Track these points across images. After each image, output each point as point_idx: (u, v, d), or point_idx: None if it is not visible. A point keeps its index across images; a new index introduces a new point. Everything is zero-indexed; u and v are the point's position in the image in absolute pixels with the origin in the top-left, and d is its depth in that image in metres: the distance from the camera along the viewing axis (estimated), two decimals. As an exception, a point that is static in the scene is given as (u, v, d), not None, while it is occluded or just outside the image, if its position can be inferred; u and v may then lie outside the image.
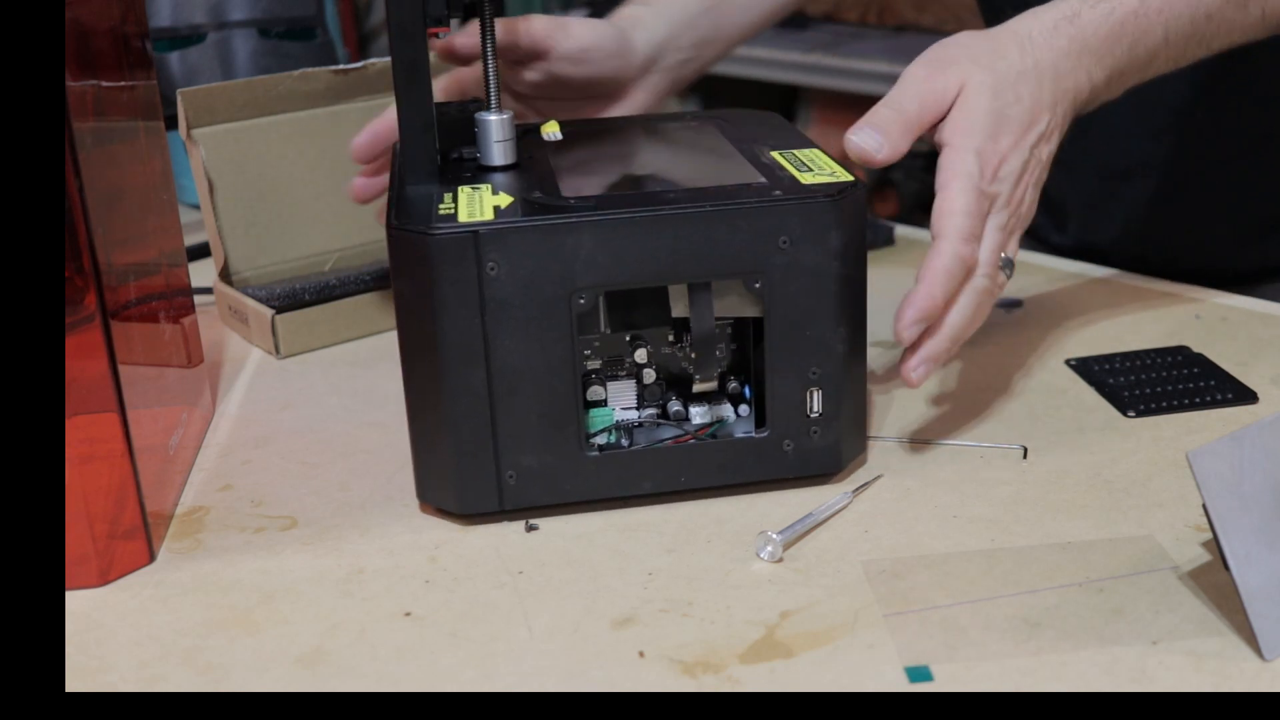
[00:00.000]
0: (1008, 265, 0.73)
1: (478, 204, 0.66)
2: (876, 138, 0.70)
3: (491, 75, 0.73)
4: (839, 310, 0.67)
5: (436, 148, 0.71)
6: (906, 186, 2.58)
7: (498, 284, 0.63)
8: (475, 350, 0.64)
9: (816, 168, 0.70)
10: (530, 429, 0.66)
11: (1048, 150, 0.74)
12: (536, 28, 0.87)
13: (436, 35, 0.70)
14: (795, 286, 0.66)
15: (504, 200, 0.66)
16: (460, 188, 0.68)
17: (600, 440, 0.68)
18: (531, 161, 0.74)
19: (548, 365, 0.65)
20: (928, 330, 0.69)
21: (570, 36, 0.88)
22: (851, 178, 0.68)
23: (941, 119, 0.71)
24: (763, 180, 0.68)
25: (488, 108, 0.73)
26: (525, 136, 0.76)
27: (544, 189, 0.68)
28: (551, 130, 0.75)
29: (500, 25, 0.84)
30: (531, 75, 0.89)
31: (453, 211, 0.65)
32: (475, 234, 0.63)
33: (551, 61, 0.88)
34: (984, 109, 0.71)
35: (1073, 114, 0.75)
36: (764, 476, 0.69)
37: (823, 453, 0.69)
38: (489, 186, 0.68)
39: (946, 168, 0.70)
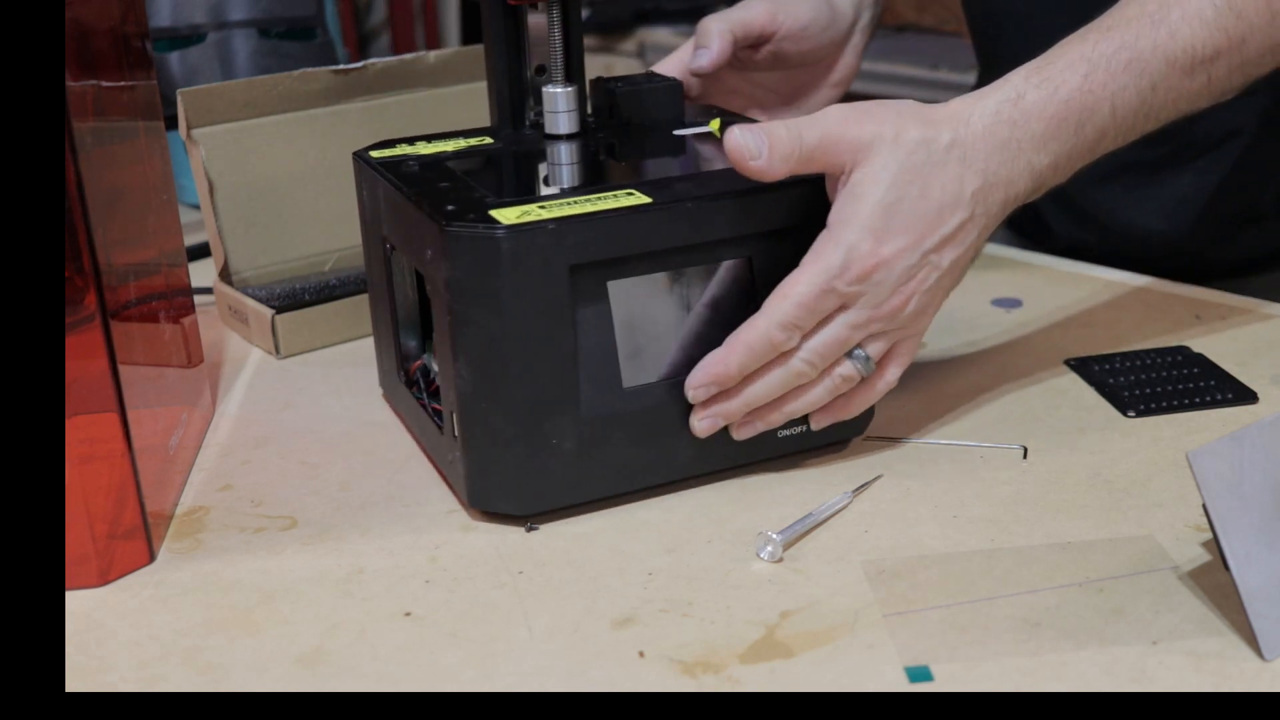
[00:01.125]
0: (863, 361, 0.68)
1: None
2: (762, 146, 0.66)
3: (558, 47, 0.77)
4: None
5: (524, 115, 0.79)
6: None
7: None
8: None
9: None
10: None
11: (953, 254, 0.68)
12: (760, 12, 0.92)
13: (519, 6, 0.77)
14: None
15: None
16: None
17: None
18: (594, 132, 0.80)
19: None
20: (723, 393, 0.68)
21: (791, 16, 0.92)
22: None
23: (836, 173, 0.67)
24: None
25: (555, 80, 0.78)
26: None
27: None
28: (714, 128, 0.78)
29: (731, 18, 0.91)
30: (757, 56, 0.93)
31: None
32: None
33: (775, 42, 0.93)
34: (874, 200, 0.65)
35: (1006, 210, 0.70)
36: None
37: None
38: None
39: (811, 250, 0.66)
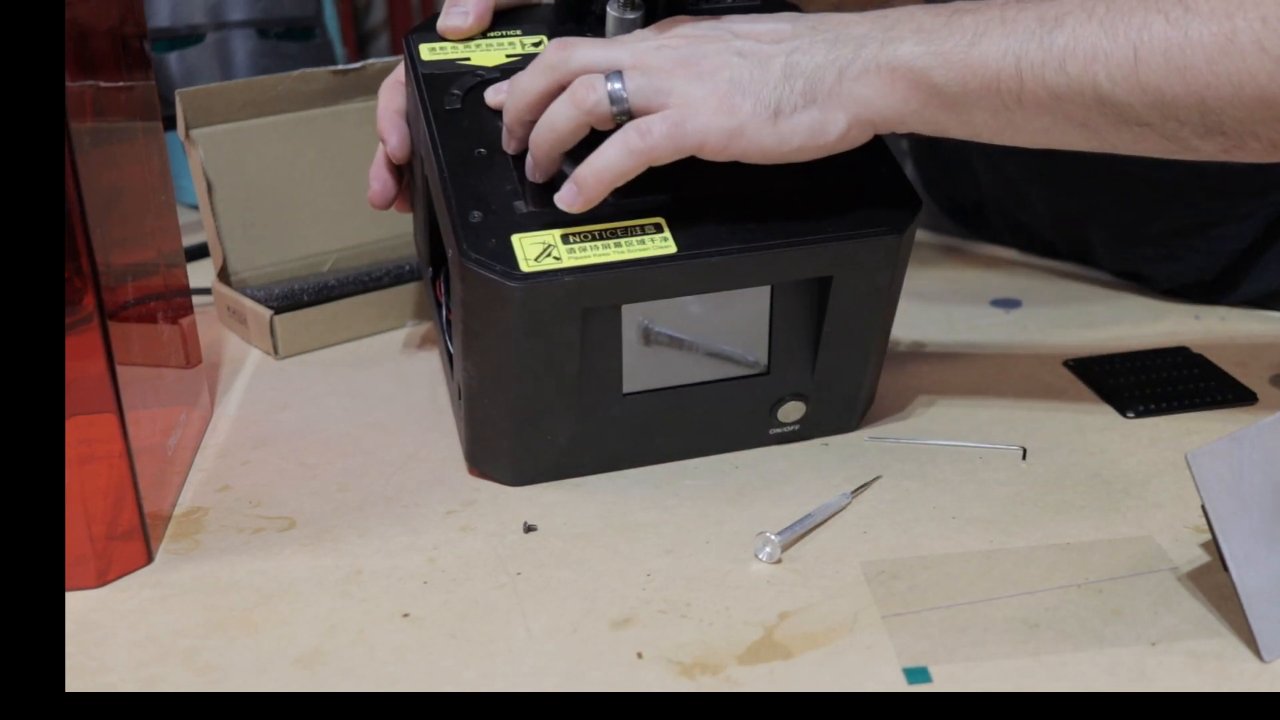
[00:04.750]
0: (616, 97, 0.64)
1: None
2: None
3: None
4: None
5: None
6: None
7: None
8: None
9: None
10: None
11: (744, 25, 0.66)
12: None
13: None
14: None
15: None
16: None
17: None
18: None
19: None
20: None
21: None
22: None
23: None
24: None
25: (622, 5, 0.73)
26: None
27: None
28: None
29: None
30: None
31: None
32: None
33: None
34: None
35: (850, 51, 0.63)
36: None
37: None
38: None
39: None
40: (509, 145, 0.69)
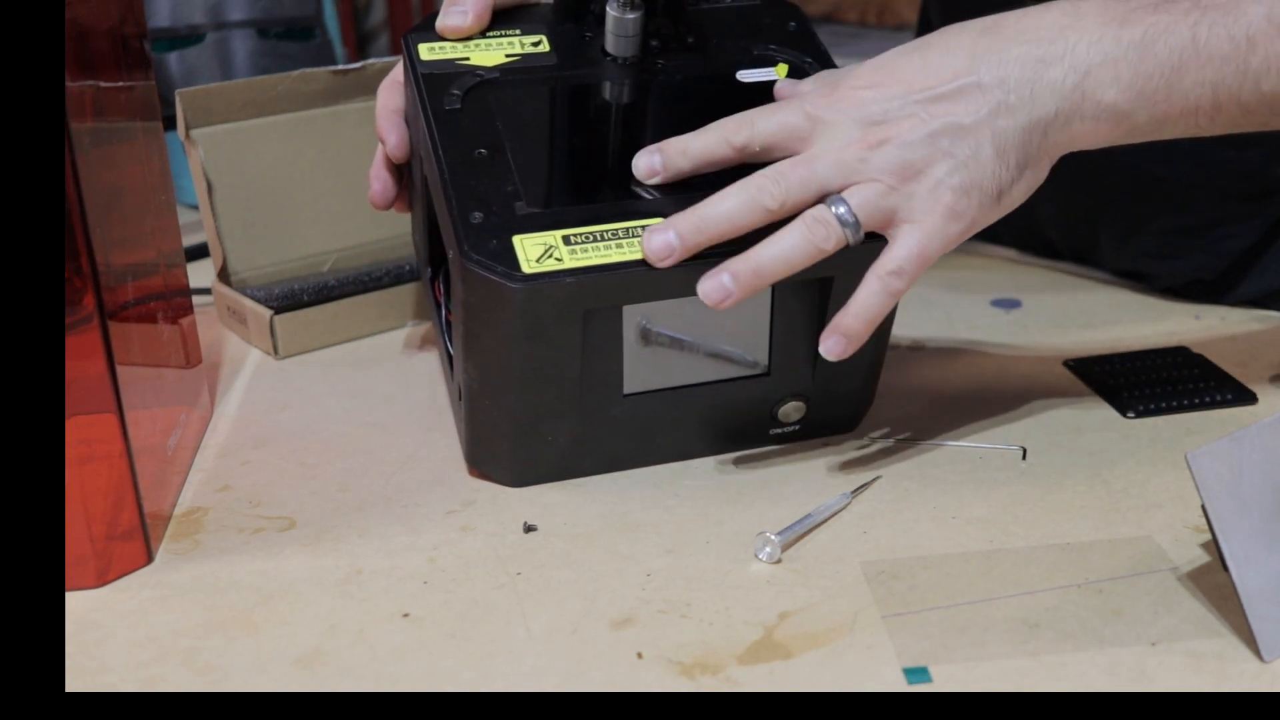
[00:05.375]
0: (848, 222, 0.62)
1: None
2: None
3: None
4: None
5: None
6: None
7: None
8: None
9: None
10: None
11: (952, 115, 0.61)
12: None
13: None
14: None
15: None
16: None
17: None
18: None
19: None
20: (684, 213, 0.63)
21: None
22: None
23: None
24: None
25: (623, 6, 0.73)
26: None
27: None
28: (780, 73, 0.75)
29: None
30: None
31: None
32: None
33: None
34: (865, 63, 0.63)
35: (1039, 101, 0.61)
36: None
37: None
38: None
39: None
40: (668, 259, 0.63)
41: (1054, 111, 0.62)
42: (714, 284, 0.62)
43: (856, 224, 0.62)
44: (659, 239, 0.63)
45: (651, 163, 0.66)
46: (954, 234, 0.63)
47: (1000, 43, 0.61)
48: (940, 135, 0.61)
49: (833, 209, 0.62)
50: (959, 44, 0.62)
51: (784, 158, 0.64)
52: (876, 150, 0.62)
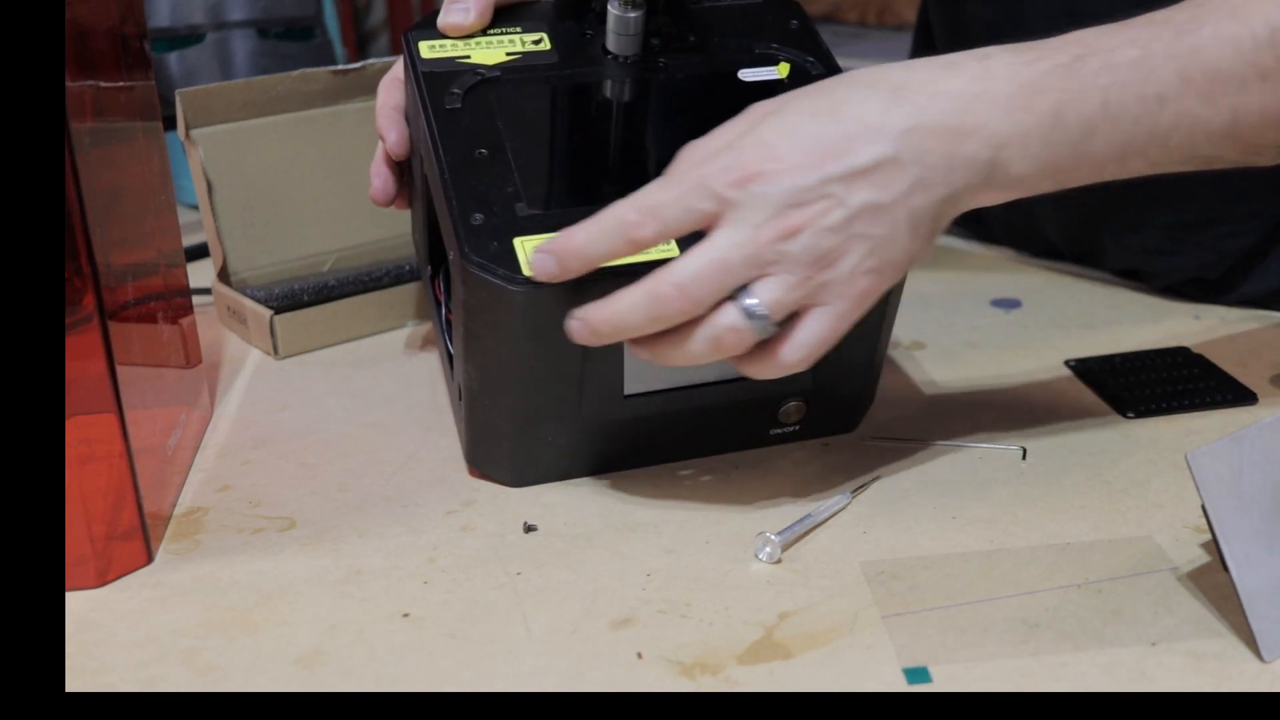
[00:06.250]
0: (757, 319, 0.59)
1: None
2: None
3: None
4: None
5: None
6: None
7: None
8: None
9: None
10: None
11: (868, 196, 0.58)
12: None
13: None
14: None
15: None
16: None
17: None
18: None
19: None
20: (595, 304, 0.60)
21: None
22: None
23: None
24: None
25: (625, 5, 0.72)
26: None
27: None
28: (782, 73, 0.74)
29: None
30: None
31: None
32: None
33: None
34: (771, 112, 0.59)
35: (954, 174, 0.59)
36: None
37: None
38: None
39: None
40: (583, 337, 0.61)
41: (966, 185, 0.60)
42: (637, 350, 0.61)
43: (766, 320, 0.59)
44: (573, 324, 0.61)
45: (546, 266, 0.61)
46: (864, 311, 0.61)
47: (915, 112, 0.58)
48: (857, 219, 0.58)
49: (744, 308, 0.59)
50: (870, 110, 0.58)
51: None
52: (791, 240, 0.58)
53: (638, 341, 0.61)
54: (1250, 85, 0.60)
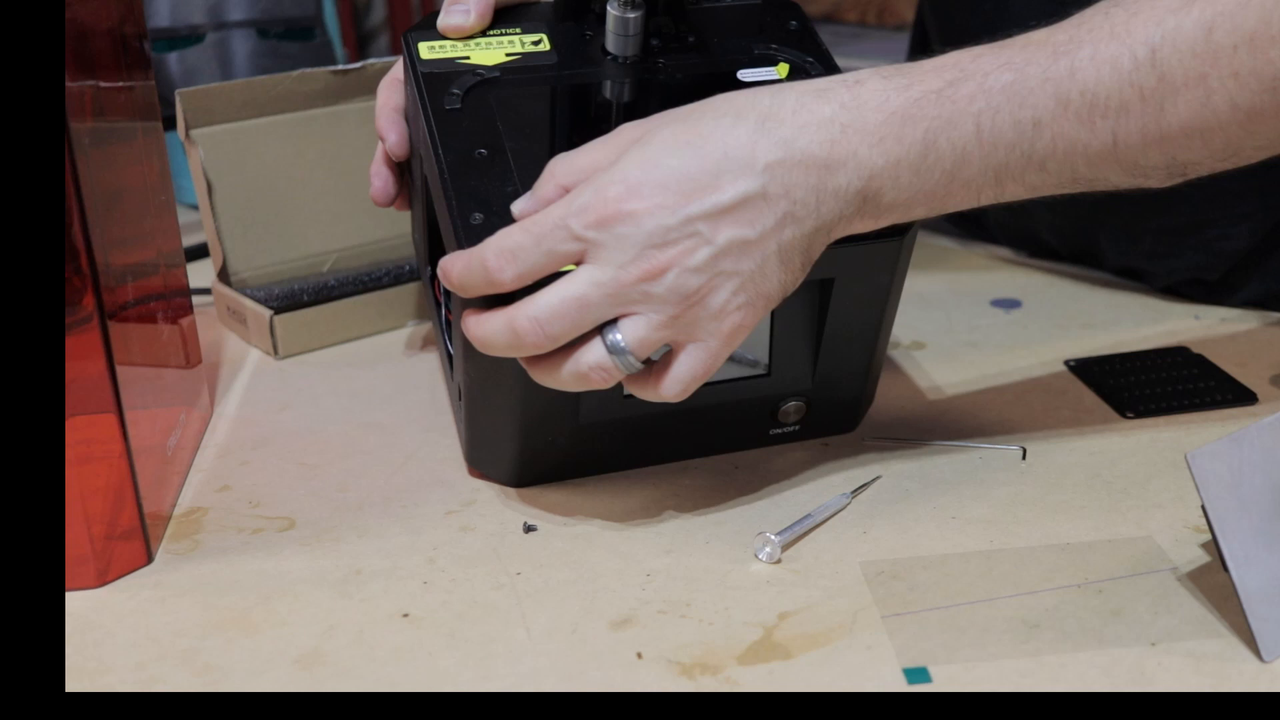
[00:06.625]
0: (620, 355, 0.58)
1: None
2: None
3: None
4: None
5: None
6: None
7: None
8: None
9: None
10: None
11: (734, 233, 0.57)
12: None
13: None
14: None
15: None
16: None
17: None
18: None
19: None
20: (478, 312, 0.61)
21: None
22: None
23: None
24: None
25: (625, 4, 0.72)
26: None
27: None
28: (781, 73, 0.74)
29: None
30: None
31: None
32: None
33: None
34: (636, 144, 0.58)
35: (825, 208, 0.58)
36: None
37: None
38: None
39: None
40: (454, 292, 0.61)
41: (837, 216, 0.59)
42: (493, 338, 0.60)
43: (630, 357, 0.59)
44: (471, 325, 0.61)
45: (443, 280, 0.61)
46: (738, 345, 0.60)
47: (781, 144, 0.57)
48: (724, 256, 0.57)
49: (608, 344, 0.58)
50: (736, 142, 0.57)
51: None
52: (656, 281, 0.57)
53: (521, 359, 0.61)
54: (1131, 107, 0.58)
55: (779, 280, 0.59)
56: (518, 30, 0.75)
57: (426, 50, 0.73)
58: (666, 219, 0.56)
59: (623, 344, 0.58)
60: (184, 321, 0.77)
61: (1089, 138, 0.58)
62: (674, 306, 0.57)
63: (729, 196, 0.57)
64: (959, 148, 0.58)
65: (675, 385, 0.60)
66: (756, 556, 0.64)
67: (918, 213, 0.61)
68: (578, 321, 0.58)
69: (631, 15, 0.72)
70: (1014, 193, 0.61)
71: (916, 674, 0.56)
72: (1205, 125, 0.58)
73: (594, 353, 0.59)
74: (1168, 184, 0.61)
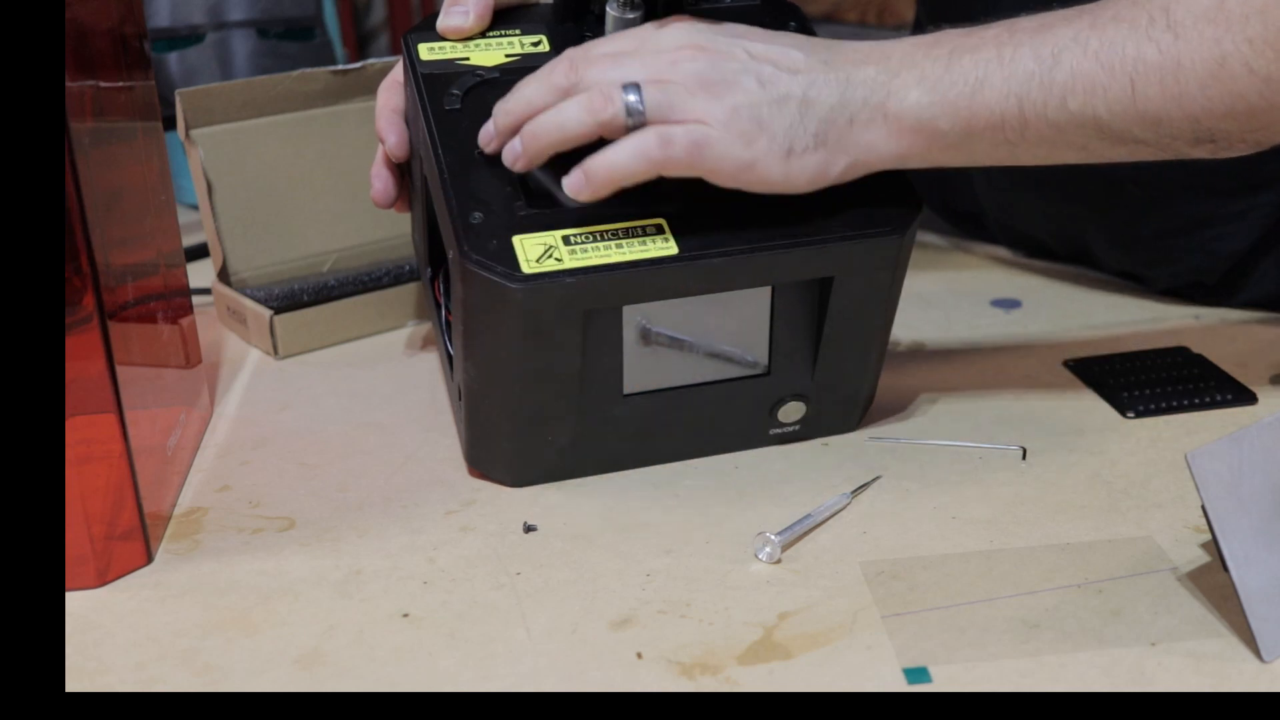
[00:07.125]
0: (630, 105, 0.63)
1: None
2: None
3: None
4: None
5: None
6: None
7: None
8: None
9: None
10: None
11: (745, 32, 0.66)
12: None
13: None
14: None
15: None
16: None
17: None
18: None
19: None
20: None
21: None
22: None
23: None
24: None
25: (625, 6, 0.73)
26: None
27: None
28: None
29: None
30: None
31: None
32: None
33: None
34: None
35: (859, 95, 0.64)
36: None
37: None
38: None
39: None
40: (490, 145, 0.67)
41: (862, 101, 0.64)
42: (507, 150, 0.66)
43: (641, 112, 0.63)
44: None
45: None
46: (735, 157, 0.63)
47: (828, 46, 0.66)
48: (753, 72, 0.64)
49: (624, 92, 0.63)
50: (793, 39, 0.66)
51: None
52: (689, 59, 0.64)
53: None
54: (1148, 58, 0.62)
55: (790, 126, 0.64)
56: (517, 31, 0.75)
57: (426, 51, 0.73)
58: (718, 36, 0.65)
59: (637, 98, 0.63)
60: (184, 321, 0.77)
61: (1108, 80, 0.62)
62: (695, 83, 0.63)
63: (776, 50, 0.65)
64: (981, 65, 0.63)
65: (673, 134, 0.63)
66: (756, 556, 0.64)
67: (943, 125, 0.64)
68: (615, 80, 0.64)
69: (630, 16, 0.72)
70: (1040, 133, 0.64)
71: (916, 674, 0.56)
72: (1224, 89, 0.61)
73: (608, 85, 0.64)
74: (1196, 153, 0.65)
